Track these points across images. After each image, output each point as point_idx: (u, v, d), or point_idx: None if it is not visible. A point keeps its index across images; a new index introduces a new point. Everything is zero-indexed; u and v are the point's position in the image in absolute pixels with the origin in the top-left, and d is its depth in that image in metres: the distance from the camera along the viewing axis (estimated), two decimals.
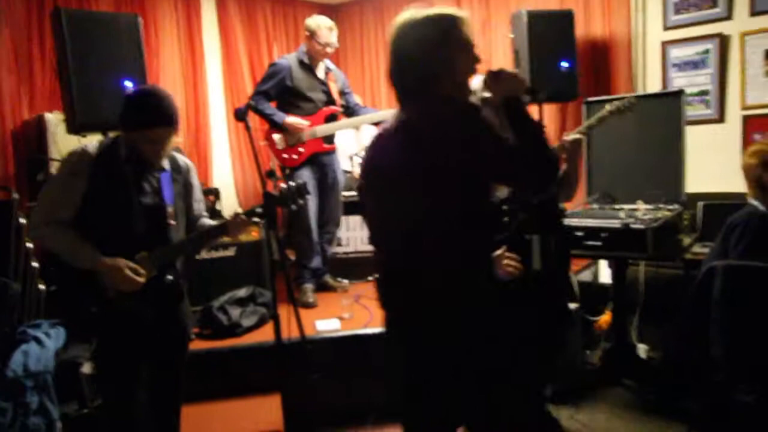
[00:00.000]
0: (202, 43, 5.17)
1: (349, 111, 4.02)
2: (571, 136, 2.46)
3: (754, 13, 4.01)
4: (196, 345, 3.23)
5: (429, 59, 1.61)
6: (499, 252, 1.82)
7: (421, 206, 1.58)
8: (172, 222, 2.20)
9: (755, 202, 2.53)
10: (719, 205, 3.45)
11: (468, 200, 1.59)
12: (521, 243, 2.20)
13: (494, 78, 1.67)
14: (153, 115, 2.03)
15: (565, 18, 4.34)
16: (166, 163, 2.19)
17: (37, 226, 2.07)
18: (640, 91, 4.35)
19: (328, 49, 3.80)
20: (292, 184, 2.23)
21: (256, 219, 2.20)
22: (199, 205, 2.37)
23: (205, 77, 5.19)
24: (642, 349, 3.57)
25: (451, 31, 1.63)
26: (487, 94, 2.23)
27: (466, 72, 1.67)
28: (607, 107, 2.61)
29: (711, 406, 2.46)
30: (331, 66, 4.00)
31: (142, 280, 2.05)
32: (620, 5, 4.54)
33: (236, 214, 2.21)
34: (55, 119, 3.89)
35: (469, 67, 1.67)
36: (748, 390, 2.23)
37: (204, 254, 3.75)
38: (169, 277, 2.16)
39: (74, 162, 2.06)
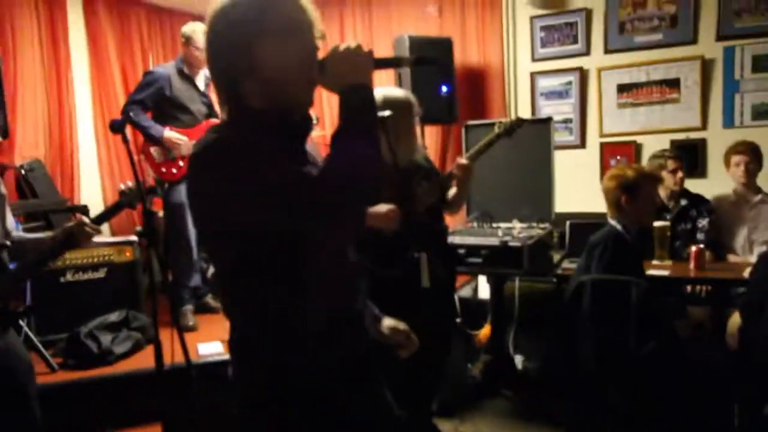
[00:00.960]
0: (68, 50, 4.79)
1: None
2: (461, 161, 2.54)
3: (608, 50, 4.47)
4: (62, 376, 2.95)
5: (223, 54, 1.19)
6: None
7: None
8: (8, 242, 1.98)
9: (614, 222, 2.77)
10: (584, 224, 3.74)
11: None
12: (410, 260, 2.26)
13: (320, 66, 1.18)
14: None
15: (445, 44, 4.55)
16: None
17: None
18: (512, 117, 4.66)
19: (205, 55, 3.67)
20: (129, 183, 2.12)
21: (93, 225, 2.01)
22: (11, 218, 2.10)
23: (71, 86, 4.80)
24: (518, 360, 3.77)
25: (250, 13, 1.15)
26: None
27: (281, 64, 1.16)
28: (496, 129, 2.71)
29: (585, 409, 2.65)
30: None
31: None
32: (494, 35, 4.85)
33: (83, 223, 1.99)
34: None
35: (285, 57, 1.16)
36: (618, 393, 2.44)
37: (69, 276, 3.45)
38: (21, 309, 1.99)
39: None
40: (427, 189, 2.51)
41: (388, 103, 2.31)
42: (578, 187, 4.33)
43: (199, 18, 5.79)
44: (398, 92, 2.47)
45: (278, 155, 1.14)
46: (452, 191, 2.61)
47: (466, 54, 4.94)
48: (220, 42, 1.19)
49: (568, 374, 2.70)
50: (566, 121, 4.62)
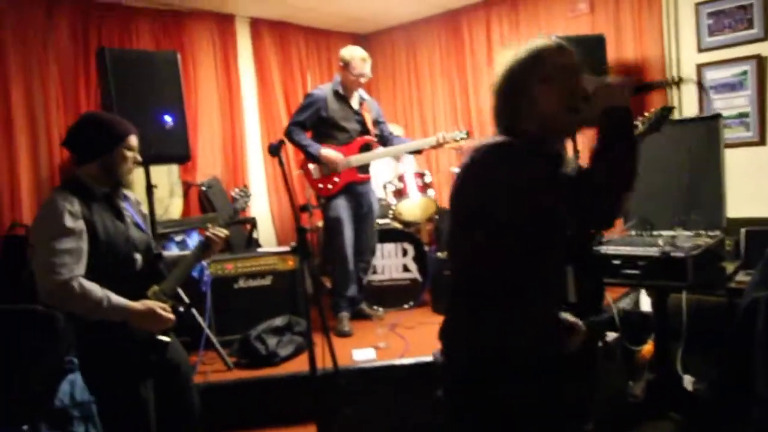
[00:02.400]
0: (238, 74, 5.31)
1: (384, 140, 4.06)
2: None
3: None
4: (235, 374, 3.27)
5: (507, 97, 1.61)
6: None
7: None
8: (162, 251, 2.28)
9: None
10: (763, 231, 3.35)
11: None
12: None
13: (585, 99, 1.53)
14: (122, 126, 2.13)
15: (597, 42, 4.33)
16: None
17: (58, 287, 1.88)
18: (677, 115, 4.29)
19: (362, 80, 3.86)
20: (238, 190, 2.57)
21: (219, 228, 2.31)
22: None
23: (241, 108, 5.32)
24: (688, 381, 3.46)
25: (526, 64, 1.57)
26: None
27: (548, 105, 1.54)
28: (640, 127, 2.52)
29: None
30: (365, 96, 4.06)
31: (173, 317, 2.07)
32: (652, 28, 4.51)
33: (207, 229, 2.30)
34: None
35: (550, 99, 1.54)
36: None
37: (241, 283, 3.82)
38: (181, 308, 2.18)
39: (68, 208, 1.96)
40: None
41: None
42: (756, 188, 3.87)
43: (352, 36, 6.11)
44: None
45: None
46: None
47: (620, 51, 4.65)
48: (506, 86, 1.61)
49: (742, 399, 2.43)
50: (741, 115, 4.15)
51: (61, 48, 4.25)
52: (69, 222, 1.94)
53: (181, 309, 2.17)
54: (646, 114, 2.49)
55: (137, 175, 2.50)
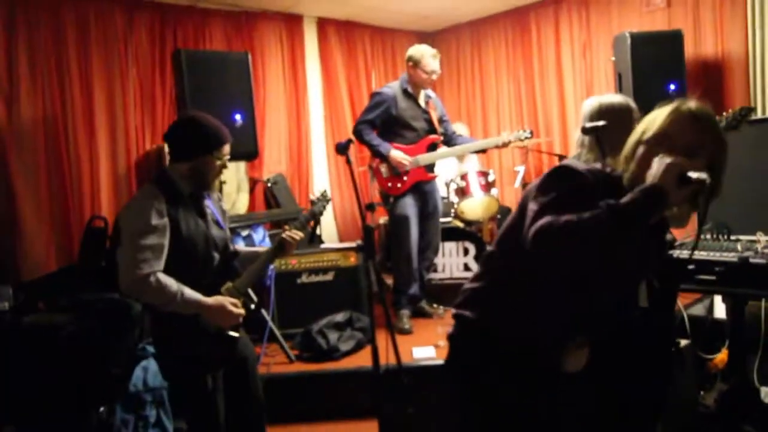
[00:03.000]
0: (305, 73, 5.42)
1: (447, 139, 4.04)
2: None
3: None
4: (297, 367, 3.35)
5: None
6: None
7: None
8: (238, 249, 2.34)
9: None
10: None
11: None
12: None
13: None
14: (221, 133, 2.18)
15: (674, 38, 4.16)
16: None
17: (137, 281, 1.98)
18: (759, 114, 4.07)
19: (434, 76, 3.84)
20: (318, 194, 2.55)
21: (295, 231, 2.33)
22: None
23: (307, 106, 5.43)
24: (765, 393, 3.28)
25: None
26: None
27: (643, 169, 1.40)
28: None
29: None
30: (431, 94, 4.05)
31: (243, 312, 2.13)
32: (735, 22, 4.30)
33: (284, 230, 2.33)
34: None
35: (646, 165, 1.40)
36: None
37: (304, 278, 3.89)
38: (252, 305, 2.23)
39: (155, 205, 2.05)
40: None
41: (604, 110, 2.20)
42: None
43: (417, 35, 6.12)
44: (616, 98, 2.33)
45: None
46: None
47: (699, 47, 4.46)
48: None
49: None
50: None
51: (140, 50, 4.46)
52: (154, 219, 2.03)
53: (252, 306, 2.23)
54: (725, 114, 2.38)
55: None
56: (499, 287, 1.59)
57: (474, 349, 1.61)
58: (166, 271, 2.03)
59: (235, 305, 2.11)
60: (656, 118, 1.46)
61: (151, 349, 3.00)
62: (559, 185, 1.43)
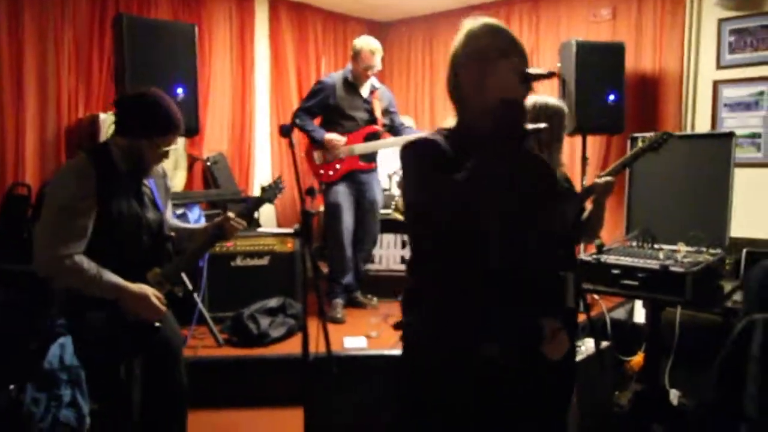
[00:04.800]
0: (253, 53, 5.30)
1: (393, 130, 4.05)
2: (603, 179, 2.38)
3: None
4: (224, 351, 3.29)
5: (451, 78, 1.51)
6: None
7: None
8: (172, 234, 2.21)
9: None
10: (764, 253, 3.34)
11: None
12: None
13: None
14: (171, 122, 2.02)
15: (616, 50, 4.30)
16: None
17: (53, 262, 1.86)
18: (688, 130, 4.28)
19: (369, 72, 3.85)
20: (270, 181, 2.40)
21: (239, 219, 2.21)
22: (170, 208, 2.32)
23: (253, 87, 5.31)
24: (674, 395, 3.46)
25: (458, 48, 1.50)
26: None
27: (469, 89, 1.45)
28: (640, 143, 2.54)
29: None
30: (378, 84, 4.04)
31: (164, 309, 2.01)
32: (673, 40, 4.49)
33: (228, 218, 2.20)
34: (109, 119, 4.02)
35: (473, 83, 1.44)
36: None
37: (238, 261, 3.82)
38: (180, 293, 2.13)
39: (83, 184, 1.91)
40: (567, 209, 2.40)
41: (538, 109, 2.23)
42: (761, 210, 3.86)
43: (370, 24, 6.08)
44: (551, 101, 2.37)
45: None
46: (586, 212, 2.42)
47: (639, 60, 4.63)
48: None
49: (729, 420, 2.43)
50: (753, 135, 4.13)
51: (78, 12, 4.23)
52: (79, 199, 1.90)
53: (180, 294, 2.12)
54: (648, 135, 2.52)
55: None
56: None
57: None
58: (90, 251, 1.91)
59: (158, 298, 1.99)
60: (460, 46, 1.50)
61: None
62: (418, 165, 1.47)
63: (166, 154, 2.08)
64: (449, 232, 1.40)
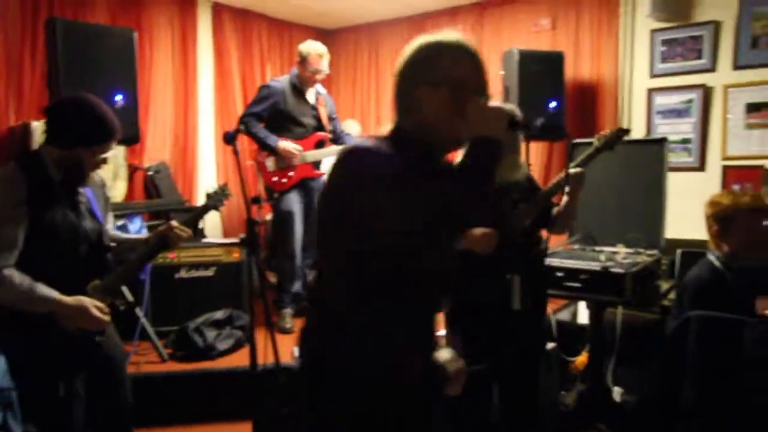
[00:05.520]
0: (195, 59, 5.18)
1: (335, 137, 4.04)
2: (573, 169, 2.44)
3: (737, 66, 4.14)
4: (169, 366, 3.19)
5: (397, 90, 1.42)
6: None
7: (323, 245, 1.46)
8: (112, 244, 2.14)
9: (710, 256, 2.54)
10: (697, 253, 3.49)
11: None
12: (501, 281, 2.22)
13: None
14: (109, 128, 1.94)
15: (556, 59, 4.43)
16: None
17: None
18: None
19: (318, 76, 3.82)
20: (215, 186, 2.34)
21: (183, 227, 2.15)
22: (110, 219, 2.26)
23: (196, 94, 5.19)
24: (617, 393, 3.58)
25: (418, 62, 1.40)
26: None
27: (432, 111, 1.37)
28: (595, 143, 2.59)
29: None
30: (322, 90, 4.02)
31: (107, 318, 1.94)
32: (609, 50, 4.65)
33: (171, 226, 2.14)
34: (41, 127, 3.85)
35: (436, 106, 1.37)
36: None
37: (183, 273, 3.71)
38: (122, 307, 2.05)
39: (12, 192, 1.84)
40: (525, 210, 2.46)
41: None
42: (694, 212, 4.01)
43: (315, 31, 6.06)
44: (509, 107, 2.43)
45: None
46: (560, 205, 2.50)
47: (578, 69, 4.78)
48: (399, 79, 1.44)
49: (667, 414, 2.52)
50: (685, 141, 4.33)
51: (7, 14, 4.04)
52: (9, 206, 1.82)
53: (122, 307, 2.04)
54: (602, 133, 2.57)
55: None
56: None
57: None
58: (24, 265, 1.83)
59: (99, 309, 1.91)
60: (443, 64, 1.38)
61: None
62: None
63: (104, 161, 2.00)
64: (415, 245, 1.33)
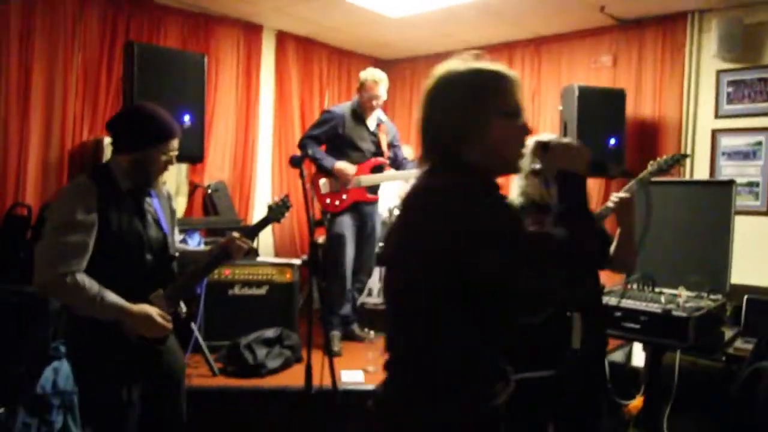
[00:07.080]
0: (258, 83, 5.35)
1: (397, 164, 4.08)
2: (617, 195, 2.34)
3: None
4: (219, 381, 3.23)
5: (458, 119, 1.36)
6: None
7: (401, 284, 1.36)
8: (176, 254, 2.19)
9: None
10: (764, 300, 3.36)
11: (450, 288, 1.26)
12: (561, 319, 2.18)
13: (542, 149, 1.46)
14: (170, 126, 2.04)
15: (617, 96, 4.39)
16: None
17: (53, 280, 1.84)
18: (687, 177, 4.34)
19: (374, 102, 3.89)
20: (276, 199, 2.37)
21: (245, 239, 2.19)
22: (176, 231, 2.32)
23: (257, 117, 5.35)
24: None
25: (488, 92, 1.37)
26: (537, 166, 2.25)
27: (504, 140, 1.36)
28: (650, 166, 2.48)
29: None
30: (383, 118, 4.08)
31: (170, 326, 1.99)
32: (672, 89, 4.58)
33: (233, 238, 2.19)
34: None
35: (508, 135, 1.37)
36: None
37: (236, 290, 3.78)
38: (183, 313, 2.10)
39: (84, 199, 1.90)
40: None
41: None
42: (760, 258, 3.89)
43: (374, 61, 6.17)
44: (553, 137, 2.39)
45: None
46: (614, 243, 2.42)
47: (639, 107, 4.71)
48: (454, 106, 1.40)
49: None
50: (751, 184, 4.19)
51: (88, 38, 4.28)
52: (80, 214, 1.88)
53: (184, 315, 2.09)
54: (659, 159, 2.50)
55: None
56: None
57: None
58: (91, 271, 1.89)
59: (163, 316, 1.97)
60: (459, 94, 1.37)
61: (65, 349, 2.81)
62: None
63: (170, 161, 2.08)
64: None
